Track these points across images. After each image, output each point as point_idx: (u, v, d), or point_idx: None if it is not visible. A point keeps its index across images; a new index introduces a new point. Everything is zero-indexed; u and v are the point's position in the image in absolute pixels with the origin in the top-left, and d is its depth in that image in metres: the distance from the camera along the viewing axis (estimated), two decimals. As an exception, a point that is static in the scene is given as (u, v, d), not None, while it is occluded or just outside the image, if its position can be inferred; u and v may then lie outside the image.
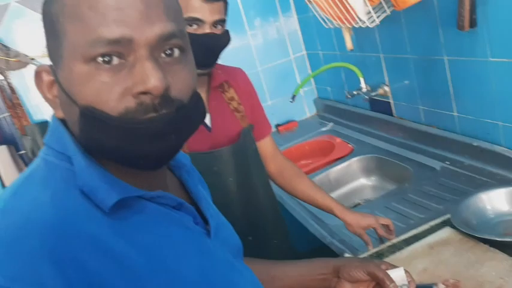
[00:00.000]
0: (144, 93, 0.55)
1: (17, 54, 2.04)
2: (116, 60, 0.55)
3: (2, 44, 2.03)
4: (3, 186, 2.08)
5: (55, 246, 0.51)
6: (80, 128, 0.58)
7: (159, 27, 0.56)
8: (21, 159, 2.15)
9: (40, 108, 2.16)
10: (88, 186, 0.57)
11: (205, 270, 0.64)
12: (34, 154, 2.11)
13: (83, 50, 0.55)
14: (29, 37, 2.07)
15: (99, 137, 0.57)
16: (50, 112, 0.64)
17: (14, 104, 2.08)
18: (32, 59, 2.07)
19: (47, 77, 0.61)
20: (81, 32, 0.55)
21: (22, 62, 2.05)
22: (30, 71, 2.11)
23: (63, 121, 0.63)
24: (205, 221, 0.71)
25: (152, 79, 0.54)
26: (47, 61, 0.62)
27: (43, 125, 2.11)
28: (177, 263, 0.61)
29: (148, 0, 0.56)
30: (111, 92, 0.55)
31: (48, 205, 0.55)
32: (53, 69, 0.60)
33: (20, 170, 2.11)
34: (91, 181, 0.58)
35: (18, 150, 2.14)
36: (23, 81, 2.12)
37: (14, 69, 2.07)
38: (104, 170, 0.60)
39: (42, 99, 0.64)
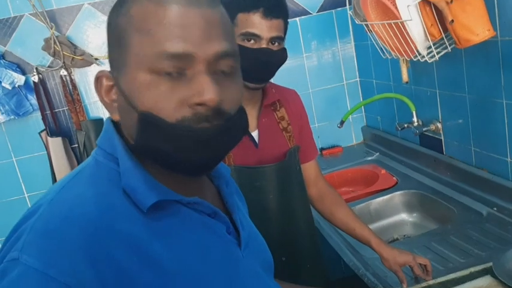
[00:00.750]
0: (200, 104, 0.59)
1: (83, 53, 2.15)
2: (176, 73, 0.59)
3: (71, 42, 2.14)
4: (54, 174, 2.17)
5: (92, 241, 0.55)
6: (137, 131, 0.61)
7: (218, 46, 0.60)
8: (73, 152, 2.25)
9: (98, 105, 2.26)
10: (129, 187, 0.61)
11: (233, 280, 0.66)
12: (85, 148, 2.20)
13: (148, 61, 0.59)
14: (96, 38, 2.18)
15: (154, 140, 0.60)
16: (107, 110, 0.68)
17: (74, 99, 2.19)
18: (96, 59, 2.18)
19: (106, 82, 0.66)
20: (147, 45, 0.59)
21: (86, 60, 2.15)
22: (93, 69, 2.22)
23: (115, 124, 0.67)
24: (238, 232, 0.73)
25: (209, 92, 0.58)
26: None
27: (98, 122, 2.21)
28: (205, 268, 0.63)
29: (210, 20, 0.60)
30: (170, 101, 0.59)
31: (91, 201, 0.59)
32: (113, 75, 0.65)
33: (70, 161, 2.20)
34: (133, 182, 0.61)
35: (71, 143, 2.25)
36: (85, 79, 2.23)
37: (78, 67, 2.18)
38: (147, 173, 0.63)
39: None
